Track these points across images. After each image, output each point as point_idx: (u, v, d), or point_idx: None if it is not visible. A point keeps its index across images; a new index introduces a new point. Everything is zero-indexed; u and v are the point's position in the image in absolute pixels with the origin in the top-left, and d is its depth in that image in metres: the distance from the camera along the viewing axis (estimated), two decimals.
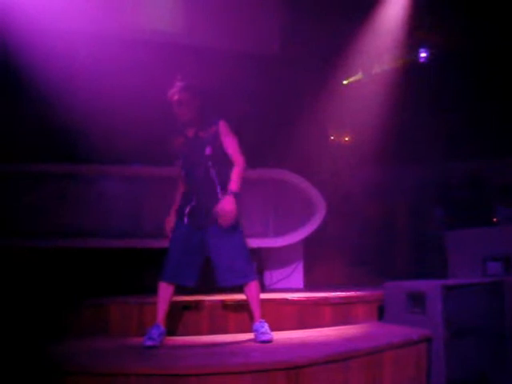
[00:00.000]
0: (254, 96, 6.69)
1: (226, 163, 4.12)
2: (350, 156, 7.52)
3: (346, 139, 8.22)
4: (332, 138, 8.16)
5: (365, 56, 7.45)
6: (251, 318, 4.23)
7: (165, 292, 4.06)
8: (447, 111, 7.38)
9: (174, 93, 4.10)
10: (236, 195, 3.95)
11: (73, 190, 6.23)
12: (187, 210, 4.12)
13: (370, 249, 7.12)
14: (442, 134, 7.47)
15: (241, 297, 4.37)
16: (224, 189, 4.04)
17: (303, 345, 3.96)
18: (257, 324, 4.15)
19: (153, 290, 4.14)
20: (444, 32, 7.19)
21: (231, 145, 4.12)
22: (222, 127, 4.12)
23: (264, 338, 4.04)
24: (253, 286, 4.15)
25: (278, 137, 6.92)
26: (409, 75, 7.33)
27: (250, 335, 4.22)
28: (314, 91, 7.33)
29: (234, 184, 3.99)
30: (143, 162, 6.38)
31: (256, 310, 4.17)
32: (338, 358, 3.60)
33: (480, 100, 7.23)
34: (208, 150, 4.09)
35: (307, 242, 6.80)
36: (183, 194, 4.22)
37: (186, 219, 4.11)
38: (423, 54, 7.60)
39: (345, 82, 7.98)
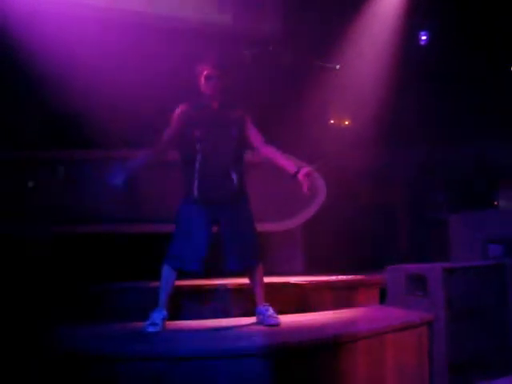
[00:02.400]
0: (254, 80, 6.65)
1: (242, 151, 4.17)
2: (350, 140, 7.50)
3: (346, 123, 8.20)
4: (332, 121, 8.14)
5: (365, 38, 7.40)
6: (254, 302, 4.23)
7: (168, 276, 4.05)
8: (449, 94, 7.34)
9: (206, 67, 4.07)
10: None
11: (76, 176, 6.22)
12: (196, 183, 4.00)
13: (371, 232, 7.13)
14: (444, 117, 7.44)
15: (242, 281, 4.37)
16: (237, 173, 4.05)
17: (305, 328, 3.97)
18: (261, 307, 4.16)
19: (153, 275, 4.13)
20: (441, 15, 7.14)
21: (258, 137, 4.20)
22: (250, 120, 4.19)
23: (272, 321, 4.06)
24: (260, 269, 4.17)
25: (277, 120, 6.88)
26: (409, 58, 7.29)
27: (253, 319, 4.24)
28: (313, 75, 7.30)
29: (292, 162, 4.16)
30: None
31: (261, 294, 4.19)
32: (339, 341, 3.61)
33: (482, 83, 7.21)
34: (234, 132, 4.08)
35: (307, 225, 6.80)
36: (189, 167, 4.04)
37: (196, 193, 4.00)
38: (423, 37, 7.55)
39: (337, 67, 7.90)
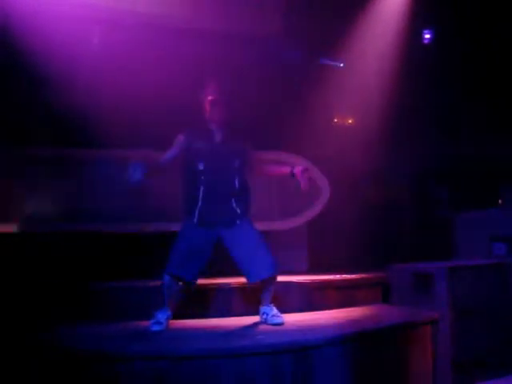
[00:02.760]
0: (257, 78, 6.64)
1: (247, 180, 4.24)
2: (353, 139, 7.48)
3: (350, 122, 8.18)
4: (335, 120, 8.12)
5: (367, 36, 7.38)
6: (259, 301, 4.23)
7: (170, 285, 4.06)
8: (453, 91, 7.32)
9: (211, 92, 4.09)
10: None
11: (79, 175, 6.23)
12: (197, 211, 4.08)
13: (375, 231, 7.11)
14: (448, 114, 7.42)
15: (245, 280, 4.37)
16: (241, 202, 4.14)
17: (309, 327, 3.97)
18: (265, 307, 4.18)
19: (155, 274, 4.14)
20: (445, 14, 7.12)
21: (255, 162, 4.31)
22: (253, 154, 4.28)
23: (276, 320, 4.08)
24: (274, 279, 4.16)
25: (282, 120, 6.87)
26: (413, 56, 7.26)
27: (256, 318, 4.24)
28: (317, 73, 7.29)
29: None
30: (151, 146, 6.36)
31: (269, 297, 4.20)
32: (344, 340, 3.61)
33: (487, 80, 7.18)
34: (237, 163, 4.14)
35: (311, 224, 6.80)
36: (192, 195, 4.12)
37: (197, 219, 4.09)
38: (427, 36, 7.53)
39: (342, 65, 7.89)
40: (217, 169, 4.10)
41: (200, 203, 4.08)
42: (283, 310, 4.29)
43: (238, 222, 4.13)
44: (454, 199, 7.10)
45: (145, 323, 4.00)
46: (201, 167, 4.08)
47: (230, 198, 4.11)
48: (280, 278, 4.39)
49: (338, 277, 5.10)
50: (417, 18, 7.09)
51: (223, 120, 4.14)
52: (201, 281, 4.52)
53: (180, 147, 4.14)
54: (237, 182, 4.13)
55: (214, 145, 4.15)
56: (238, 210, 4.13)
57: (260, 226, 4.32)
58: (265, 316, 4.15)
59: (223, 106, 4.08)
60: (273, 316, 4.11)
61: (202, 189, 4.08)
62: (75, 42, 5.95)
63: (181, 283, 4.11)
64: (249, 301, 4.55)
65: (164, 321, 3.95)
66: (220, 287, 4.67)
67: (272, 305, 4.19)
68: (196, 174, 4.09)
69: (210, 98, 4.08)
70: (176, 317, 4.16)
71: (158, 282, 4.09)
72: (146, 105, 6.02)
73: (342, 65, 7.76)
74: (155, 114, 5.89)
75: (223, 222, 4.12)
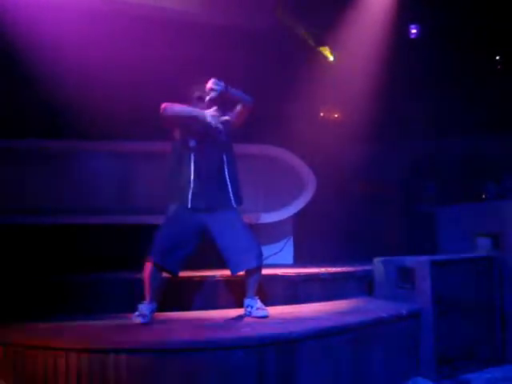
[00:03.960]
0: (245, 72, 6.63)
1: (233, 150, 4.25)
2: (340, 132, 7.49)
3: (336, 116, 8.19)
4: (321, 114, 8.13)
5: (357, 30, 7.39)
6: (244, 294, 4.24)
7: (154, 273, 4.03)
8: (439, 86, 7.34)
9: (197, 89, 4.12)
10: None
11: (63, 167, 6.21)
12: (190, 193, 4.06)
13: (361, 225, 7.14)
14: (434, 109, 7.45)
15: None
16: (232, 175, 4.14)
17: (294, 320, 3.99)
18: (249, 299, 4.18)
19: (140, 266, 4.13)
20: (433, 7, 7.13)
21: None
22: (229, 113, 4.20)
23: (261, 313, 4.09)
24: (259, 269, 4.17)
25: (267, 113, 6.86)
26: (400, 51, 7.27)
27: (241, 311, 4.25)
28: (303, 68, 7.28)
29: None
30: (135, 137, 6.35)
31: (253, 288, 4.20)
32: (327, 333, 3.63)
33: (473, 75, 7.22)
34: (224, 138, 4.15)
35: (297, 218, 6.81)
36: (183, 176, 4.09)
37: (189, 202, 4.06)
38: (414, 31, 7.55)
39: (331, 59, 7.90)
40: (207, 146, 4.10)
41: (192, 185, 4.05)
42: (268, 303, 4.30)
43: (232, 204, 4.13)
44: (439, 194, 7.13)
45: (129, 316, 3.99)
46: (192, 144, 4.08)
47: (222, 178, 4.11)
48: (265, 271, 4.40)
49: (323, 270, 5.11)
50: (404, 12, 7.10)
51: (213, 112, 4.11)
52: (186, 273, 4.53)
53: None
54: (225, 159, 4.13)
55: (205, 124, 4.11)
56: (231, 192, 4.13)
57: (245, 219, 4.33)
58: (249, 309, 4.16)
59: (210, 101, 4.06)
60: (257, 309, 4.11)
61: (192, 168, 4.06)
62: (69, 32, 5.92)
63: (164, 273, 4.09)
64: (234, 293, 4.55)
65: (148, 313, 3.94)
66: (205, 279, 4.66)
67: (257, 297, 4.19)
68: (187, 151, 4.08)
69: (197, 94, 4.11)
70: (160, 309, 4.15)
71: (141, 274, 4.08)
72: (130, 96, 6.02)
73: (331, 58, 7.78)
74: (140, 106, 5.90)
75: (217, 205, 4.10)
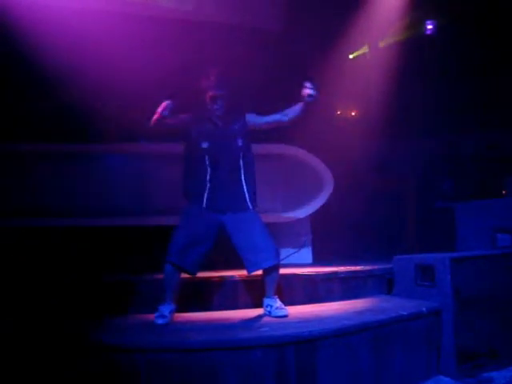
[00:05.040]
0: (261, 72, 6.63)
1: (251, 152, 4.26)
2: (356, 130, 7.47)
3: (353, 114, 8.17)
4: (338, 112, 8.11)
5: (371, 29, 7.36)
6: (263, 294, 4.25)
7: (171, 274, 4.07)
8: (456, 83, 7.29)
9: (211, 87, 4.10)
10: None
11: (78, 170, 6.26)
12: (206, 195, 4.10)
13: (379, 223, 7.12)
14: (451, 106, 7.40)
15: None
16: (248, 177, 4.16)
17: (313, 319, 3.98)
18: (269, 299, 4.19)
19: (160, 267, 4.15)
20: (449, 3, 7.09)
21: (258, 117, 4.25)
22: (247, 115, 4.24)
23: (280, 313, 4.10)
24: (277, 267, 4.18)
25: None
26: (415, 48, 7.24)
27: (260, 311, 4.26)
28: (320, 66, 7.27)
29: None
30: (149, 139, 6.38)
31: (272, 288, 4.22)
32: (348, 332, 3.63)
33: (490, 71, 7.16)
34: (239, 142, 4.15)
35: (316, 217, 6.80)
36: (198, 178, 4.13)
37: (205, 203, 4.09)
38: (430, 27, 7.50)
39: (351, 56, 7.91)
40: (221, 148, 4.12)
41: (208, 185, 4.09)
42: (288, 303, 4.30)
43: (247, 206, 4.15)
44: (457, 190, 7.08)
45: (152, 316, 4.01)
46: (205, 145, 4.10)
47: (237, 180, 4.13)
48: (284, 271, 4.40)
49: (342, 268, 5.11)
50: (419, 8, 7.07)
51: (223, 113, 4.16)
52: (205, 273, 4.55)
53: (182, 119, 4.14)
54: (241, 162, 4.16)
55: (217, 127, 4.17)
56: (247, 194, 4.15)
57: (264, 218, 4.33)
58: (269, 308, 4.17)
59: (223, 100, 4.10)
60: (277, 308, 4.12)
61: (208, 170, 4.09)
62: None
63: (183, 274, 4.12)
64: (253, 293, 4.56)
65: (168, 314, 3.97)
66: (224, 279, 4.67)
67: (276, 297, 4.20)
68: (200, 152, 4.10)
69: (210, 93, 4.10)
70: (180, 310, 4.18)
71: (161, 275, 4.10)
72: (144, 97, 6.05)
73: (351, 56, 7.79)
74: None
75: (233, 206, 4.13)
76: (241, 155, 4.16)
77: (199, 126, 4.16)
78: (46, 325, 3.86)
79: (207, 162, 4.10)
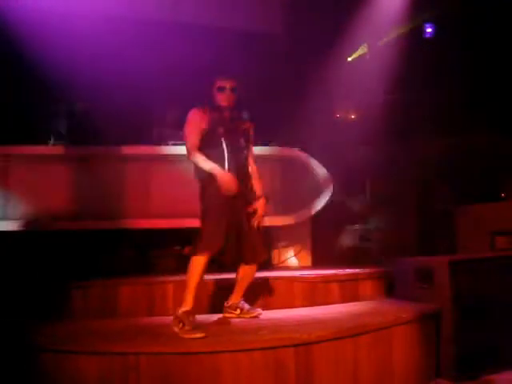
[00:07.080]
0: (260, 75, 6.64)
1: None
2: (355, 133, 7.47)
3: (352, 116, 8.18)
4: (338, 115, 8.12)
5: (369, 30, 7.38)
6: (260, 296, 4.25)
7: (205, 267, 3.89)
8: (454, 85, 7.30)
9: (218, 79, 4.13)
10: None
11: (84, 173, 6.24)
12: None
13: (378, 225, 7.11)
14: (450, 108, 7.40)
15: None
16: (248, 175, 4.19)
17: (312, 321, 3.98)
18: (242, 302, 4.25)
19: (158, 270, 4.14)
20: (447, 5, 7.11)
21: (252, 152, 4.30)
22: (253, 133, 4.28)
23: (254, 312, 4.19)
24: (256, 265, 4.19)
25: (284, 115, 6.88)
26: (413, 50, 7.25)
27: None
28: (318, 69, 7.29)
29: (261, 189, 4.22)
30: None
31: (246, 288, 4.23)
32: (346, 334, 3.62)
33: (487, 73, 7.17)
34: (242, 142, 4.16)
35: (315, 219, 6.80)
36: (218, 162, 4.03)
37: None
38: (429, 30, 7.52)
39: (349, 59, 7.92)
40: (233, 142, 4.10)
41: (228, 167, 4.01)
42: (286, 305, 4.30)
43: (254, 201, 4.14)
44: (456, 193, 7.08)
45: (149, 319, 4.01)
46: (221, 130, 4.06)
47: (247, 176, 4.17)
48: (284, 273, 4.40)
49: (341, 271, 5.11)
50: (418, 11, 7.09)
51: (231, 104, 4.15)
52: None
53: (202, 120, 4.10)
54: (245, 161, 4.18)
55: (225, 120, 4.13)
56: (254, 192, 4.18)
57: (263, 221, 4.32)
58: (239, 310, 4.22)
59: (231, 91, 4.10)
60: (249, 310, 4.21)
61: (226, 154, 4.04)
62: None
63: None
64: (252, 295, 4.54)
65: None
66: (219, 283, 4.66)
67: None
68: (219, 139, 4.05)
69: (218, 84, 4.11)
70: None
71: (159, 278, 4.08)
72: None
73: (349, 59, 7.81)
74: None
75: (245, 197, 4.11)
76: (245, 154, 4.17)
77: (212, 114, 4.12)
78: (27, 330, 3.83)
79: (225, 146, 4.04)
